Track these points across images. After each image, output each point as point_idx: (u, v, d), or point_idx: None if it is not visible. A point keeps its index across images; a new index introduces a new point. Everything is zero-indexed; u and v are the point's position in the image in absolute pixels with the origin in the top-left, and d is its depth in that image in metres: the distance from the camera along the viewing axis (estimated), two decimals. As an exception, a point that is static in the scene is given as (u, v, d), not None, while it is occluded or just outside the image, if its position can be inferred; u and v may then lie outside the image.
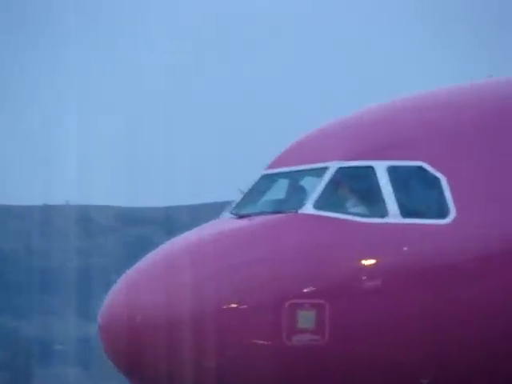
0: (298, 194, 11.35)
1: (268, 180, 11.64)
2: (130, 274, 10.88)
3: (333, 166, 11.14)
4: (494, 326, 10.62)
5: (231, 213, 11.41)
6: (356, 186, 11.27)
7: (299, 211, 10.98)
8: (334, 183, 11.19)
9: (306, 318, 10.42)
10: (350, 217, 10.86)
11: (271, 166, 11.71)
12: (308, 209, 10.95)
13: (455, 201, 10.85)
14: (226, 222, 11.37)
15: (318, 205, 10.99)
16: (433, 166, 11.05)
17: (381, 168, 11.08)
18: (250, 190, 11.59)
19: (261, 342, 10.46)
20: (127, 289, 10.76)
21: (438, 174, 11.00)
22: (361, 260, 10.65)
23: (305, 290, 10.54)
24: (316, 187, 11.13)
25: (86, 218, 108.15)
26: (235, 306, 10.53)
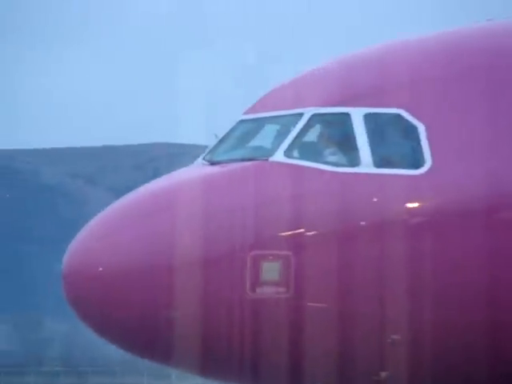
0: (270, 141, 10.57)
1: (244, 126, 10.86)
2: (95, 221, 10.26)
3: (307, 113, 10.35)
4: (466, 276, 9.87)
5: (204, 159, 10.70)
6: (330, 133, 10.49)
7: (270, 159, 10.24)
8: (308, 130, 10.43)
9: (270, 270, 9.75)
10: (320, 166, 10.10)
11: (248, 112, 10.97)
12: (278, 157, 10.20)
13: (432, 151, 10.04)
14: (197, 169, 10.67)
15: (289, 153, 10.24)
16: (412, 113, 10.21)
17: (357, 115, 10.26)
18: (225, 135, 10.85)
19: (224, 292, 9.84)
20: (89, 237, 10.18)
21: (416, 123, 10.16)
22: (328, 210, 9.91)
23: (270, 241, 9.84)
24: (288, 134, 10.37)
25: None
26: (199, 255, 9.89)
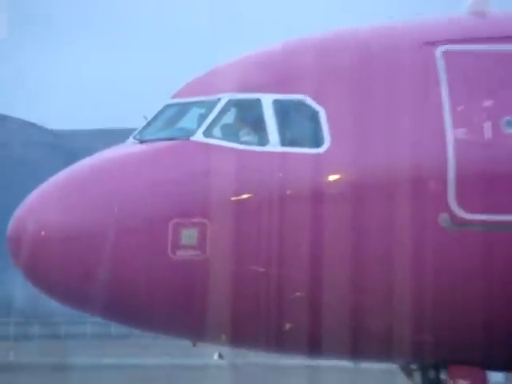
0: (192, 122, 11.74)
1: (170, 109, 12.02)
2: (37, 191, 11.38)
3: (224, 98, 11.52)
4: (361, 243, 11.12)
5: (134, 138, 11.85)
6: (243, 117, 11.65)
7: (190, 138, 11.42)
8: (225, 114, 11.60)
9: (188, 236, 10.92)
10: (234, 145, 11.29)
11: (175, 96, 12.14)
12: (198, 136, 11.36)
13: (331, 132, 11.24)
14: (128, 147, 11.86)
15: (208, 133, 11.39)
16: (314, 99, 11.40)
17: (267, 100, 11.43)
18: (154, 117, 12.01)
19: (149, 254, 11.01)
20: (30, 204, 11.27)
21: (318, 108, 11.34)
22: (240, 184, 11.12)
23: (188, 211, 11.03)
24: (207, 117, 11.54)
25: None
26: (127, 222, 11.05)
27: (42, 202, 11.40)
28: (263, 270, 11.19)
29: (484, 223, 11.10)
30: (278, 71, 11.94)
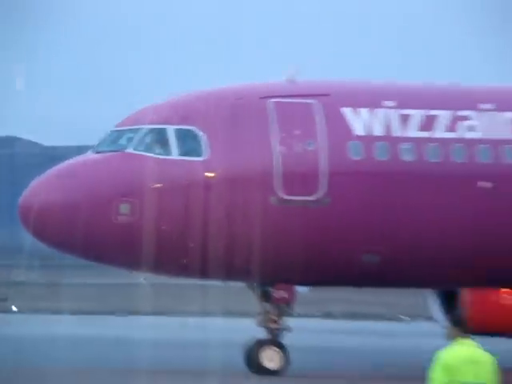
0: (127, 141, 19.99)
1: (114, 133, 20.47)
2: (36, 181, 19.52)
3: (145, 127, 19.90)
4: (226, 208, 19.03)
5: (92, 150, 19.94)
6: (156, 139, 20.01)
7: (125, 151, 19.68)
8: (146, 136, 19.87)
9: (124, 208, 19.17)
10: (151, 154, 19.62)
11: (116, 126, 20.65)
12: (129, 150, 19.74)
13: (208, 148, 19.41)
14: (90, 155, 20.17)
15: (135, 148, 19.71)
16: (199, 129, 19.64)
17: (170, 129, 19.72)
18: (103, 138, 20.26)
19: (103, 219, 19.38)
20: (33, 188, 19.71)
21: (201, 134, 19.59)
22: (154, 177, 19.37)
23: (124, 193, 19.36)
24: (136, 139, 19.72)
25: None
26: (90, 200, 19.36)
27: (40, 187, 19.74)
28: (165, 227, 19.44)
29: (294, 201, 19.47)
30: (178, 111, 20.21)
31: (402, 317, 39.82)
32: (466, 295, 22.23)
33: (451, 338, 10.19)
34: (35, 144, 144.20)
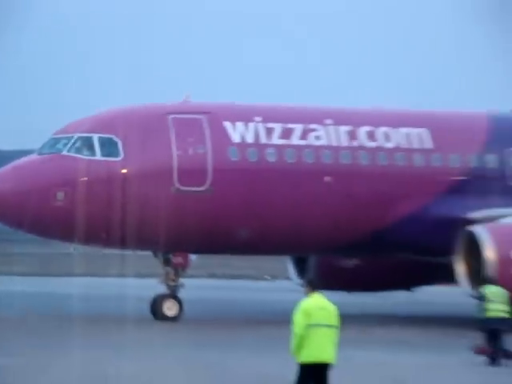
0: (62, 146, 25.47)
1: (52, 140, 25.85)
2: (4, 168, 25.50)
3: (75, 135, 25.41)
4: (139, 195, 25.14)
5: (36, 153, 25.67)
6: (84, 144, 25.44)
7: (61, 153, 25.24)
8: (77, 142, 25.38)
9: (60, 195, 24.70)
10: (81, 156, 25.10)
11: (55, 133, 26.00)
12: (64, 152, 25.19)
13: (123, 150, 25.13)
14: (33, 156, 25.74)
15: (68, 151, 25.13)
16: (117, 137, 25.32)
17: (95, 137, 25.33)
18: (45, 143, 25.78)
19: (45, 202, 24.65)
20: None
21: (118, 140, 25.26)
22: (82, 173, 24.83)
23: (59, 184, 24.83)
24: (69, 144, 25.30)
25: None
26: (35, 188, 24.69)
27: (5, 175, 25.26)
28: (91, 209, 24.78)
29: (188, 191, 25.39)
30: (101, 123, 25.83)
31: (267, 277, 47.06)
32: (314, 260, 29.02)
33: (307, 292, 12.45)
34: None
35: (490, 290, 20.20)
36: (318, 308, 12.76)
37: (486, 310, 19.92)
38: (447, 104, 30.79)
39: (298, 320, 12.59)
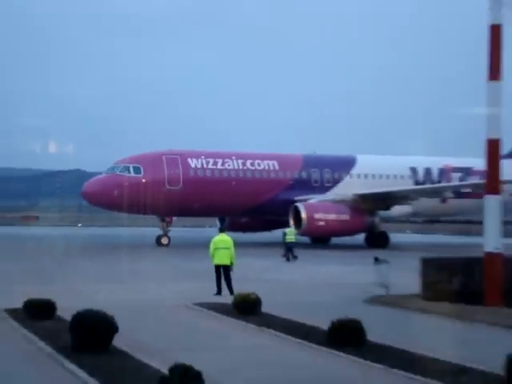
0: (117, 170, 53.97)
1: (113, 167, 53.85)
2: (99, 177, 54.37)
3: (122, 165, 54.14)
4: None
5: (105, 172, 54.57)
6: (126, 168, 53.49)
7: (115, 173, 53.58)
8: (123, 168, 54.13)
9: (115, 192, 54.34)
10: (127, 175, 54.01)
11: (116, 162, 54.47)
12: (117, 172, 53.71)
13: (143, 171, 54.40)
14: (103, 175, 54.18)
15: (119, 172, 53.77)
16: (140, 165, 53.97)
17: (131, 166, 53.82)
18: (110, 167, 54.39)
19: (108, 194, 53.93)
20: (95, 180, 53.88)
21: (140, 166, 54.09)
22: (124, 182, 54.31)
23: (114, 185, 54.34)
24: (119, 168, 54.13)
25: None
26: (104, 188, 54.43)
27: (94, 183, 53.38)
28: (131, 197, 54.68)
29: (172, 189, 54.70)
30: (136, 159, 54.46)
31: (207, 226, 76.99)
32: (227, 218, 59.27)
33: (219, 233, 25.04)
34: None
35: (289, 230, 48.76)
36: (220, 240, 24.58)
37: (285, 237, 44.14)
38: (287, 149, 63.40)
39: (211, 245, 24.44)
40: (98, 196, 51.82)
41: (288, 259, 41.99)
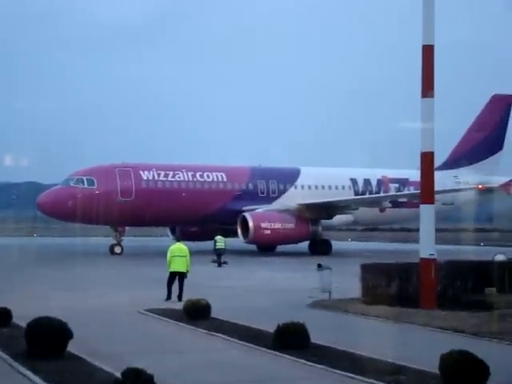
0: (71, 182, 53.81)
1: (67, 179, 53.66)
2: (53, 189, 53.86)
3: (76, 177, 53.84)
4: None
5: (60, 185, 54.19)
6: (80, 181, 53.44)
7: (70, 185, 53.19)
8: (77, 180, 53.96)
9: (69, 203, 53.91)
10: (80, 187, 53.36)
11: (70, 175, 54.03)
12: (70, 185, 53.24)
13: (96, 183, 53.82)
14: (58, 187, 53.93)
15: (74, 184, 53.55)
16: (93, 177, 53.66)
17: (84, 178, 53.95)
18: (65, 179, 54.09)
19: (61, 205, 53.60)
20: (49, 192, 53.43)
21: (94, 179, 53.83)
22: (78, 193, 53.75)
23: (68, 197, 53.85)
24: (73, 181, 53.91)
25: None
26: (57, 199, 53.81)
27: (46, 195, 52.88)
28: (83, 207, 54.21)
29: (124, 200, 54.45)
30: (89, 172, 54.13)
31: (160, 237, 75.56)
32: (178, 228, 59.18)
33: (175, 242, 26.23)
34: None
35: (219, 238, 46.21)
36: (176, 248, 24.90)
37: (216, 244, 44.17)
38: (235, 162, 64.81)
39: (168, 254, 24.87)
40: (52, 207, 51.47)
41: (219, 265, 43.13)
